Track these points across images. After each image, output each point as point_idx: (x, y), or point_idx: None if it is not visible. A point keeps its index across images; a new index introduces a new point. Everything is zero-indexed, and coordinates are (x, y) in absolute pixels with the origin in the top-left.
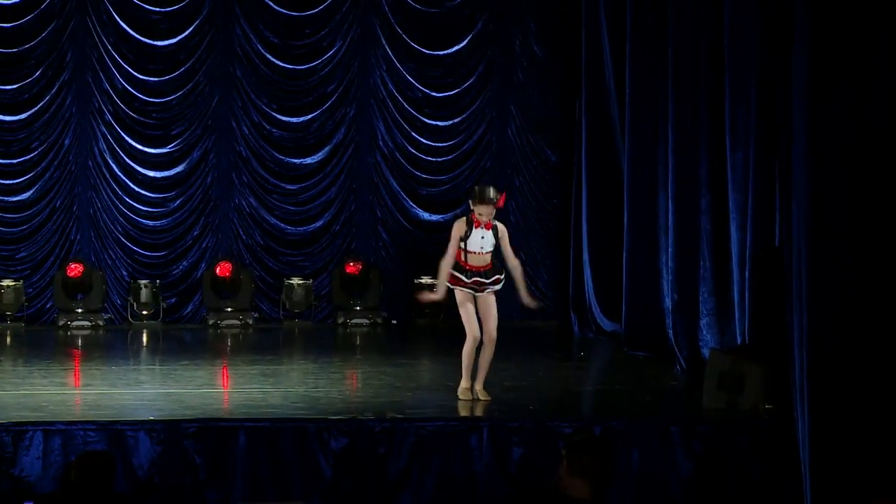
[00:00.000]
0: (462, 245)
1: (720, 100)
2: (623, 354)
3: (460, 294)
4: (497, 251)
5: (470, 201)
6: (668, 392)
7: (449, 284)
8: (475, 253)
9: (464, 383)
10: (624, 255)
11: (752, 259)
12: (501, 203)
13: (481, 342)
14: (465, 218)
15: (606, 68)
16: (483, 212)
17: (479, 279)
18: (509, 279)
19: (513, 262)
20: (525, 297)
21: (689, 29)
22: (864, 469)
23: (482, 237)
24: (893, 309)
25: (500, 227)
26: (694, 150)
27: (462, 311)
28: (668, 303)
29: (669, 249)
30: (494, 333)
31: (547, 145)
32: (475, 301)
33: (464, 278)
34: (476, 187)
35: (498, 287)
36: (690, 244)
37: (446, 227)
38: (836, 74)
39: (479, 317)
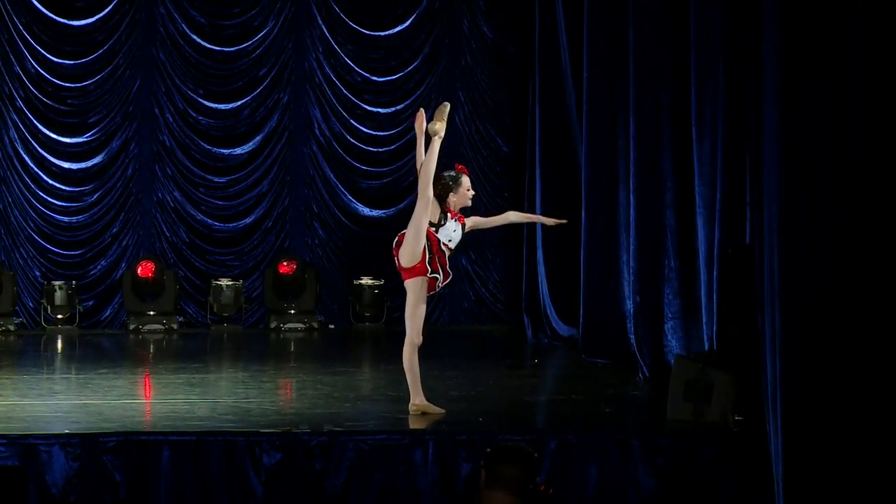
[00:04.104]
0: (433, 229)
1: (685, 84)
2: (580, 361)
3: (420, 286)
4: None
5: (452, 195)
6: (630, 402)
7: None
8: (443, 245)
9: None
10: (581, 253)
11: (720, 257)
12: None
13: None
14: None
15: (562, 50)
16: (469, 185)
17: (446, 270)
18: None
19: (507, 217)
20: (546, 220)
21: (651, 6)
22: (842, 485)
23: (454, 230)
24: (873, 312)
25: (467, 221)
26: (657, 139)
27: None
28: (629, 305)
29: (631, 248)
30: (420, 336)
31: (498, 134)
32: (408, 289)
33: (434, 269)
34: (445, 177)
35: (440, 284)
36: (654, 242)
37: (387, 224)
38: (810, 56)
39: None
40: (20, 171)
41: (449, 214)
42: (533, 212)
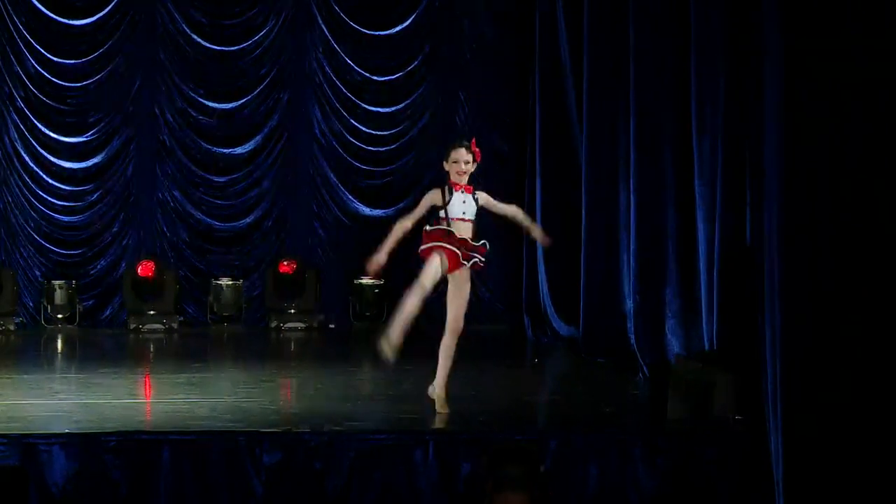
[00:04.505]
0: (443, 214)
1: (685, 82)
2: (581, 361)
3: (436, 262)
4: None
5: (444, 163)
6: (630, 402)
7: (427, 245)
8: (457, 220)
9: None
10: (581, 253)
11: (720, 257)
12: (475, 146)
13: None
14: (440, 187)
15: (562, 51)
16: (459, 157)
17: (465, 240)
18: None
19: (512, 210)
20: (539, 235)
21: (651, 6)
22: (842, 485)
23: (463, 201)
24: (874, 312)
25: (480, 193)
26: (657, 139)
27: (427, 272)
28: (629, 305)
29: (631, 247)
30: (460, 322)
31: (498, 134)
32: (449, 280)
33: (449, 241)
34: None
35: (482, 260)
36: (654, 241)
37: (388, 223)
38: (811, 53)
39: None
40: (20, 171)
41: (454, 188)
42: (534, 213)
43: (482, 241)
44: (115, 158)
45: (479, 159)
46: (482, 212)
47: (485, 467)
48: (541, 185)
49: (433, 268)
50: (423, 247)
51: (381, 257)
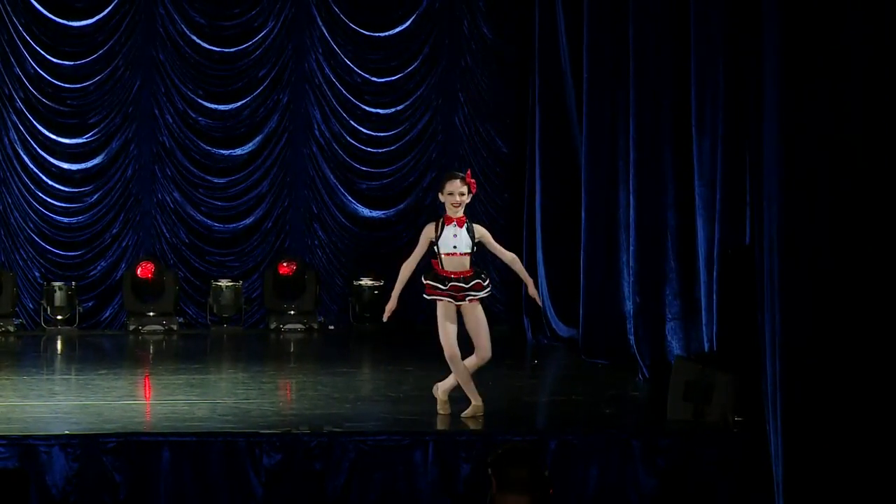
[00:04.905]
0: (435, 248)
1: (685, 84)
2: (580, 362)
3: (441, 308)
4: (485, 257)
5: (440, 194)
6: (630, 403)
7: (426, 296)
8: (449, 255)
9: (475, 402)
10: (581, 254)
11: (720, 258)
12: (470, 177)
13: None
14: (435, 221)
15: (562, 51)
16: (454, 189)
17: (456, 284)
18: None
19: (509, 257)
20: (531, 291)
21: (651, 6)
22: (842, 485)
23: (454, 235)
24: (874, 312)
25: (477, 226)
26: (657, 139)
27: (440, 328)
28: (629, 306)
29: (631, 248)
30: (488, 352)
31: (497, 135)
32: (460, 315)
33: (440, 286)
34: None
35: (482, 294)
36: (653, 242)
37: (388, 224)
38: (810, 56)
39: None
40: (20, 172)
41: (446, 223)
42: (533, 213)
43: (476, 281)
44: (114, 160)
45: (474, 190)
46: (479, 247)
47: (488, 469)
48: (540, 185)
49: (442, 316)
50: (426, 297)
51: (392, 304)
